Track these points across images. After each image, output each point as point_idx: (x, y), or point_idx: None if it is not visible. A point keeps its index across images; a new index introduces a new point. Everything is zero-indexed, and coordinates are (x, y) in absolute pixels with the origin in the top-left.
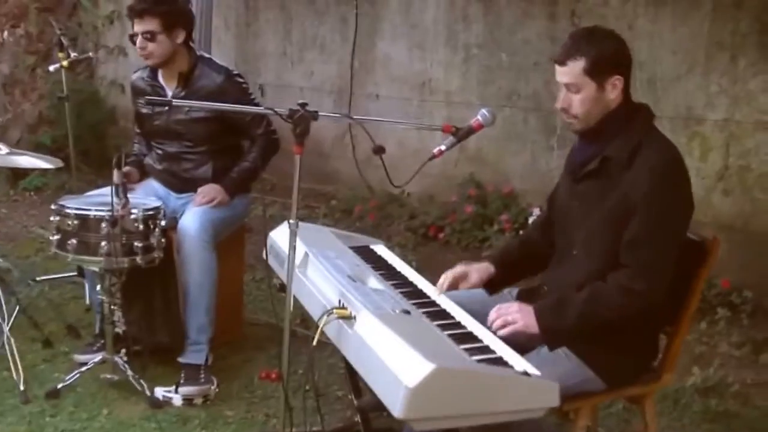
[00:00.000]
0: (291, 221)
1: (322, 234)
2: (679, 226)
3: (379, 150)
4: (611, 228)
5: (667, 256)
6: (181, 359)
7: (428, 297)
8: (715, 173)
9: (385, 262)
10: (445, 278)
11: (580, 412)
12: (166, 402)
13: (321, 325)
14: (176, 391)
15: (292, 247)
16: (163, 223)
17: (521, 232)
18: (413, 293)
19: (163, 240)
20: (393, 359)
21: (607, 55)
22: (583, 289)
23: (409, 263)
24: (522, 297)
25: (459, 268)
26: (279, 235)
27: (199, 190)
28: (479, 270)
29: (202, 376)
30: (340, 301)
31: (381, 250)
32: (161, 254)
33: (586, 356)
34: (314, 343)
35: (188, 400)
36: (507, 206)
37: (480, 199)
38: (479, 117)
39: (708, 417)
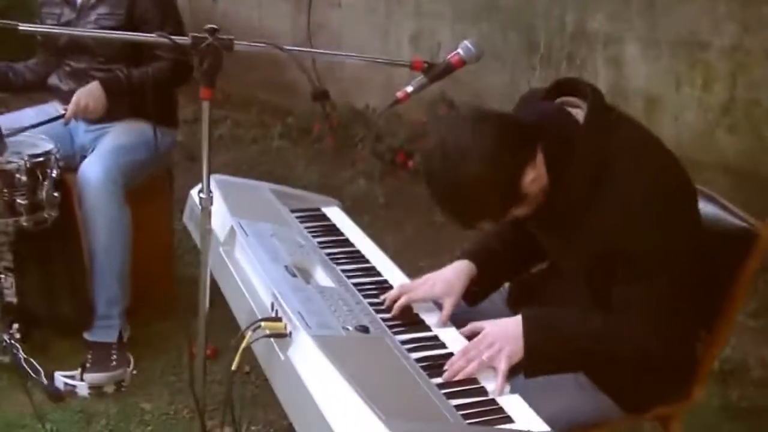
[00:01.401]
0: (202, 195)
1: (258, 194)
2: (686, 263)
3: (321, 96)
4: (598, 282)
5: (682, 305)
6: (87, 336)
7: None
8: (719, 106)
9: (340, 236)
10: (395, 305)
11: None
12: (69, 392)
13: (242, 345)
14: (81, 378)
15: (205, 234)
16: (54, 173)
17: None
18: (375, 290)
19: (56, 194)
20: (336, 414)
21: (495, 193)
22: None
23: (376, 198)
24: (518, 296)
25: (422, 291)
26: None
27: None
28: (453, 284)
29: (114, 357)
30: (272, 306)
31: (334, 214)
32: (54, 212)
33: (602, 380)
34: (234, 367)
35: (96, 389)
36: None
37: None
38: (460, 51)
39: (729, 414)
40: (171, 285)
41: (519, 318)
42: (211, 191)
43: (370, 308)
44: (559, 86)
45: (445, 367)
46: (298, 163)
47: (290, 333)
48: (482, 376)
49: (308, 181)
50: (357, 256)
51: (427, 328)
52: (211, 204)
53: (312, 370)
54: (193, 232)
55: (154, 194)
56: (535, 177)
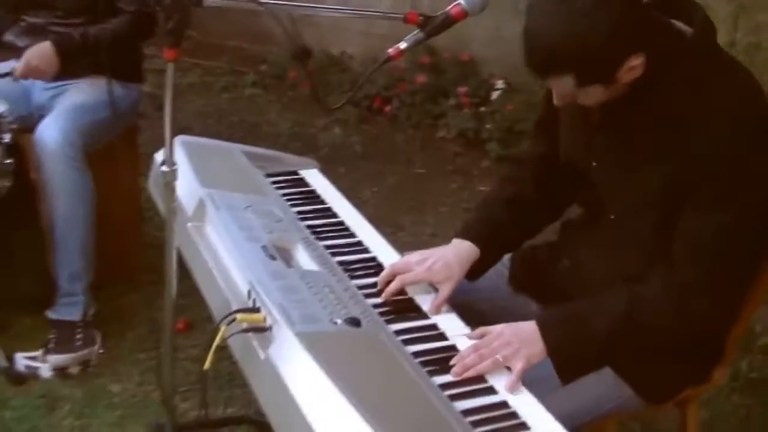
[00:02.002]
0: (163, 168)
1: (229, 158)
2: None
3: (302, 55)
4: (658, 205)
5: (746, 265)
6: (50, 314)
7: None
8: None
9: (321, 204)
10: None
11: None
12: (31, 375)
13: (216, 341)
14: (44, 359)
15: (171, 213)
16: (7, 138)
17: (502, 177)
18: (363, 270)
19: (9, 161)
20: (324, 423)
21: (603, 57)
22: (622, 285)
23: (353, 146)
24: (521, 274)
25: (418, 274)
26: None
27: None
28: (452, 267)
29: (80, 336)
30: (249, 294)
31: (314, 178)
32: (8, 182)
33: (625, 371)
34: (206, 366)
35: (60, 371)
36: (465, 76)
37: (434, 68)
38: (462, 1)
39: (738, 385)
40: (139, 254)
41: (533, 323)
42: (175, 162)
43: (360, 293)
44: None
45: (453, 362)
46: (271, 111)
47: (271, 327)
48: (491, 374)
49: (281, 129)
50: (341, 229)
51: (424, 316)
52: (176, 178)
53: (297, 373)
54: (158, 201)
55: (118, 155)
56: (634, 66)
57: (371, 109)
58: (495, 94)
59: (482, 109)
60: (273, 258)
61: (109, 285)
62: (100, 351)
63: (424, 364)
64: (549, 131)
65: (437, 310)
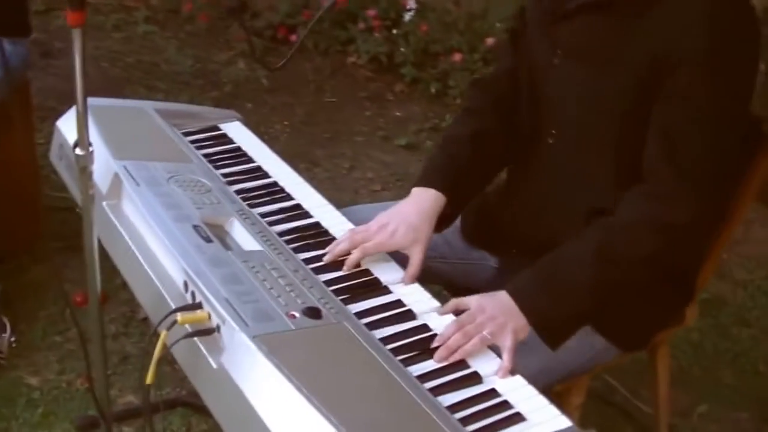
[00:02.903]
0: (78, 152)
1: (141, 118)
2: (744, 107)
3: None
4: (623, 104)
5: (726, 159)
6: None
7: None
8: None
9: (250, 163)
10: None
11: (575, 388)
12: None
13: (157, 351)
14: None
15: (88, 203)
16: None
17: (464, 109)
18: (310, 240)
19: None
20: None
21: None
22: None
23: (259, 80)
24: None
25: (379, 242)
26: (70, 129)
27: None
28: (418, 228)
29: None
30: (186, 287)
31: (236, 132)
32: None
33: (599, 321)
34: (149, 380)
35: None
36: None
37: None
38: None
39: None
40: (39, 219)
41: (503, 294)
42: (91, 144)
43: (311, 272)
44: None
45: (435, 344)
46: (168, 49)
47: (218, 327)
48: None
49: (182, 67)
50: (276, 192)
51: (385, 290)
52: (93, 162)
53: (258, 384)
54: (65, 176)
55: (11, 115)
56: None
57: (275, 39)
58: (407, 15)
59: (394, 31)
60: (208, 240)
61: (10, 258)
62: (12, 339)
63: (397, 352)
64: (518, 43)
65: (413, 280)
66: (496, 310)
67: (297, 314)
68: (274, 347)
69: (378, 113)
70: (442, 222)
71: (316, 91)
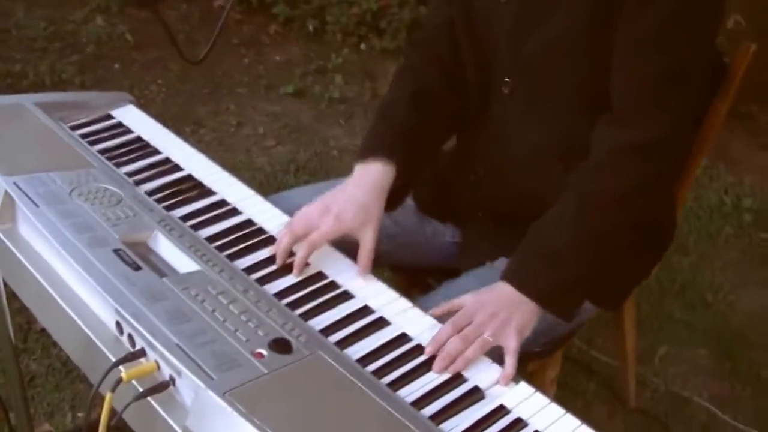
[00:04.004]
0: None
1: (24, 118)
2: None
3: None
4: (582, 35)
5: (697, 71)
6: None
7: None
8: None
9: (156, 156)
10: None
11: (552, 361)
12: None
13: (104, 418)
14: None
15: None
16: None
17: (400, 70)
18: (249, 243)
19: None
20: None
21: None
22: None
23: (122, 36)
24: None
25: (326, 231)
26: None
27: None
28: (368, 208)
29: None
30: (120, 328)
31: (132, 117)
32: None
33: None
34: None
35: None
36: None
37: None
38: None
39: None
40: None
41: (503, 283)
42: None
43: (261, 289)
44: None
45: (429, 351)
46: (16, 11)
47: (172, 379)
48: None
49: (35, 31)
50: (194, 187)
51: (347, 295)
52: None
53: None
54: None
55: None
56: None
57: None
58: None
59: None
60: (136, 267)
61: None
62: None
63: (381, 374)
64: None
65: (368, 270)
66: (497, 304)
67: (264, 351)
68: (250, 402)
69: (256, 60)
70: (393, 199)
71: (187, 42)
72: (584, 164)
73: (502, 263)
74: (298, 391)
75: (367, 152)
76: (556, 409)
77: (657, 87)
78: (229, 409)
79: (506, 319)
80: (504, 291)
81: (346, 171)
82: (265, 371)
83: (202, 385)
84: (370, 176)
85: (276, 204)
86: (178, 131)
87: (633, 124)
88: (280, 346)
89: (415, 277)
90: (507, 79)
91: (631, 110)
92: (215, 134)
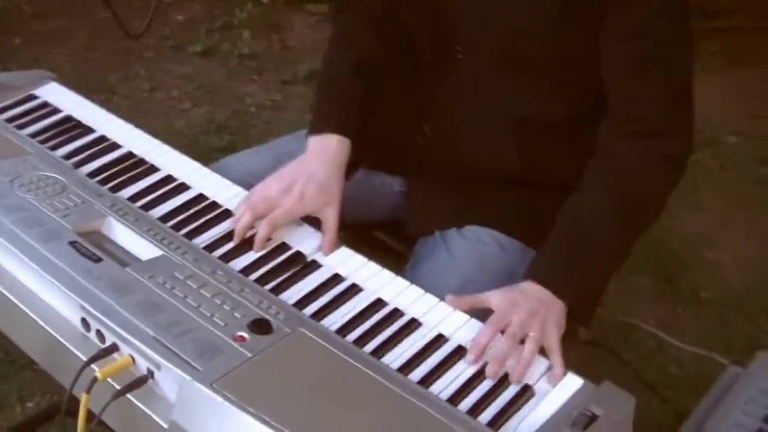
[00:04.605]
0: None
1: None
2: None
3: None
4: (550, 27)
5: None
6: None
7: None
8: None
9: (90, 135)
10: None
11: None
12: None
13: (81, 420)
14: None
15: None
16: None
17: (335, 39)
18: (205, 219)
19: None
20: None
21: None
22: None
23: (19, 7)
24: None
25: (288, 209)
26: None
27: None
28: (329, 185)
29: None
30: (87, 325)
31: (58, 96)
32: None
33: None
34: None
35: None
36: None
37: None
38: None
39: None
40: None
41: (529, 283)
42: None
43: (228, 268)
44: None
45: (473, 355)
46: None
47: (150, 372)
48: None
49: None
50: (136, 164)
51: (315, 265)
52: None
53: None
54: None
55: None
56: None
57: None
58: None
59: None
60: (96, 259)
61: None
62: None
63: (362, 342)
64: None
65: (332, 249)
66: (531, 301)
67: (245, 334)
68: (240, 389)
69: (159, 21)
70: (349, 171)
71: (96, 6)
72: (609, 163)
73: (472, 232)
74: (286, 372)
75: (319, 125)
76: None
77: (681, 96)
78: (219, 399)
79: (545, 317)
80: (534, 289)
81: (266, 127)
82: (250, 355)
83: (187, 377)
84: (329, 152)
85: (220, 173)
86: (91, 99)
87: (659, 135)
88: (260, 327)
89: (361, 231)
90: (458, 48)
91: (652, 121)
92: (129, 101)
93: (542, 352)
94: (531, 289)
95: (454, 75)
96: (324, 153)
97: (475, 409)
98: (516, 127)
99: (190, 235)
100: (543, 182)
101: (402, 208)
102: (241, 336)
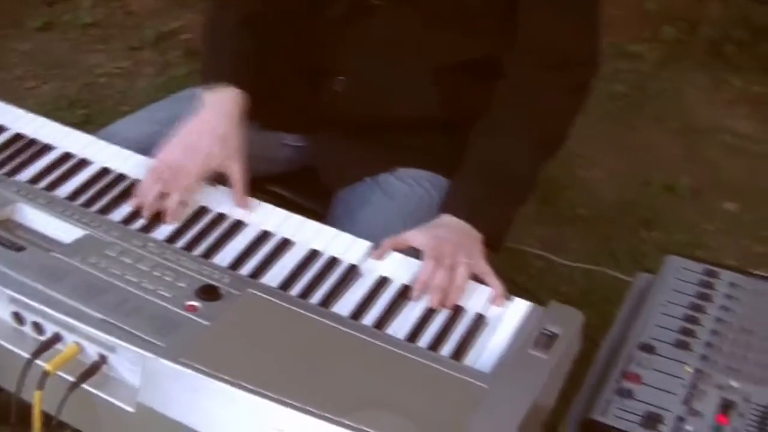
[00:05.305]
0: None
1: None
2: None
3: None
4: None
5: None
6: None
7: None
8: None
9: None
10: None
11: None
12: None
13: (36, 418)
14: None
15: None
16: None
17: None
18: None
19: None
20: None
21: None
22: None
23: None
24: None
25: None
26: None
27: None
28: (227, 139)
29: None
30: (18, 319)
31: None
32: None
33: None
34: None
35: None
36: None
37: None
38: None
39: None
40: None
41: (446, 217)
42: None
43: (150, 238)
44: None
45: (418, 291)
46: None
47: (102, 357)
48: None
49: None
50: (29, 144)
51: (240, 224)
52: None
53: (206, 413)
54: None
55: None
56: None
57: None
58: None
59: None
60: (16, 247)
61: None
62: None
63: (307, 294)
64: None
65: (244, 202)
66: (454, 235)
67: (195, 303)
68: (208, 359)
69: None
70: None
71: None
72: (521, 95)
73: (406, 173)
74: (248, 334)
75: (214, 79)
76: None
77: (587, 25)
78: (191, 372)
79: (470, 246)
80: (454, 222)
81: (120, 97)
82: (207, 323)
83: (149, 354)
84: (225, 105)
85: (110, 140)
86: None
87: (573, 64)
88: (209, 293)
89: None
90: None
91: (568, 51)
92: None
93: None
94: (451, 222)
95: (371, 23)
96: (220, 107)
97: (436, 345)
98: (437, 71)
99: (105, 210)
100: (464, 120)
101: (299, 162)
102: (192, 305)
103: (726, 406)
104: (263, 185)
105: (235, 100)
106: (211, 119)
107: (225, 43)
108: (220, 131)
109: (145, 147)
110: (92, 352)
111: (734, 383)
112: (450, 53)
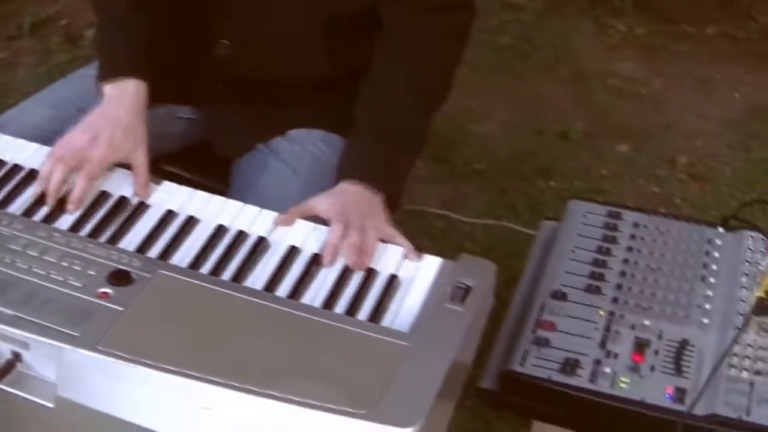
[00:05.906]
0: None
1: None
2: None
3: None
4: None
5: None
6: None
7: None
8: None
9: None
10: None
11: None
12: None
13: None
14: None
15: None
16: None
17: None
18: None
19: None
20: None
21: None
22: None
23: None
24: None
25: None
26: None
27: None
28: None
29: None
30: None
31: None
32: None
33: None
34: None
35: None
36: None
37: None
38: None
39: None
40: None
41: (346, 184)
42: None
43: (53, 228)
44: None
45: (328, 255)
46: None
47: (16, 355)
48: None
49: None
50: None
51: (144, 206)
52: None
53: (126, 400)
54: None
55: None
56: None
57: None
58: None
59: None
60: None
61: None
62: None
63: (219, 271)
64: None
65: (146, 191)
66: (356, 199)
67: (107, 290)
68: (127, 345)
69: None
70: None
71: None
72: (406, 50)
73: (298, 135)
74: (164, 317)
75: (113, 72)
76: None
77: None
78: (110, 359)
79: (374, 210)
80: (353, 187)
81: (2, 89)
82: (121, 309)
83: (66, 346)
84: (129, 96)
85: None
86: None
87: (452, 9)
88: (120, 278)
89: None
90: None
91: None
92: None
93: None
94: (351, 188)
95: None
96: (122, 99)
97: (353, 309)
98: (321, 27)
99: (3, 204)
100: (353, 76)
101: (194, 135)
102: (104, 293)
103: (641, 345)
104: (161, 165)
105: (136, 90)
106: (115, 110)
107: (118, 28)
108: (125, 121)
109: (45, 133)
110: (5, 350)
111: (647, 322)
112: (334, 7)
